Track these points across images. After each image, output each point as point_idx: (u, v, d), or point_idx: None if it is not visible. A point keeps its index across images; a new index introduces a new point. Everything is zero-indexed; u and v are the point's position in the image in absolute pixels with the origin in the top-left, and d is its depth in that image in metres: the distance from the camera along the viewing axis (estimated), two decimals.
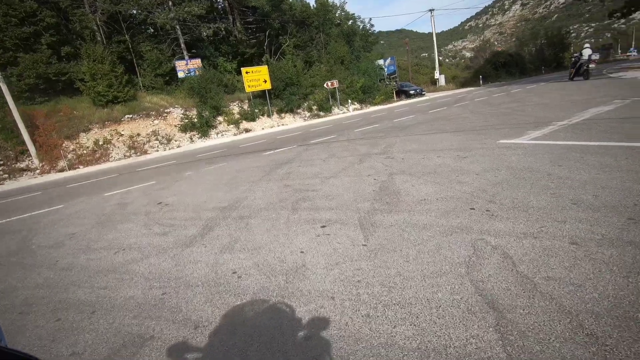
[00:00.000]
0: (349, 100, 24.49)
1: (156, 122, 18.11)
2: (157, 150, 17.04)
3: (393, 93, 26.58)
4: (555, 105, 9.40)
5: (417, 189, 4.11)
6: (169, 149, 17.41)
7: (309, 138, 11.89)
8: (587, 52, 17.57)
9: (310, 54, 27.38)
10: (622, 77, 15.57)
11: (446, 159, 5.34)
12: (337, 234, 3.22)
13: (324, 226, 3.47)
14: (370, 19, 26.41)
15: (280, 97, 22.71)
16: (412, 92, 26.75)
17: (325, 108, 23.77)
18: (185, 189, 6.76)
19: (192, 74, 21.48)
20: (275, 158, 8.67)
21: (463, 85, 33.25)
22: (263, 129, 20.86)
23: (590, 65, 17.47)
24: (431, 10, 32.48)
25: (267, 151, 10.28)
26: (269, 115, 22.16)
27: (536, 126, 6.73)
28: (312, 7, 29.52)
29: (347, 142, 9.28)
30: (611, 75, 17.80)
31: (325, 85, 23.56)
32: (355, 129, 11.94)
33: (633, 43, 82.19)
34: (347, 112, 23.67)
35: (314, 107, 23.75)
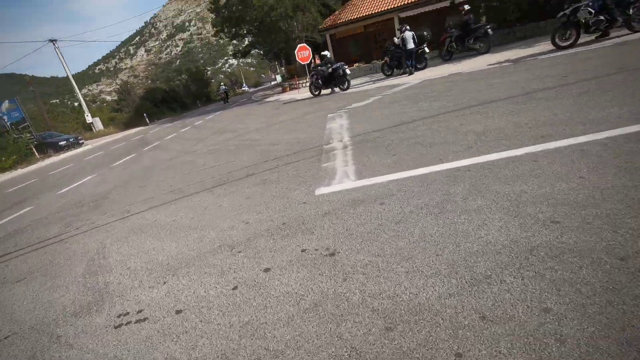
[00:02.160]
0: None
1: None
2: None
3: (32, 149, 18.29)
4: (276, 128, 8.19)
5: None
6: None
7: None
8: (222, 88, 31.12)
9: None
10: (278, 99, 17.59)
11: (300, 272, 2.20)
12: None
13: None
14: None
15: None
16: (63, 143, 19.54)
17: None
18: None
19: None
20: None
21: (127, 126, 28.85)
22: None
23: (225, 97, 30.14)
24: (53, 41, 25.26)
25: None
26: None
27: (317, 156, 4.82)
28: None
29: None
30: (267, 100, 20.03)
31: None
32: None
33: (243, 80, 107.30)
34: None
35: None
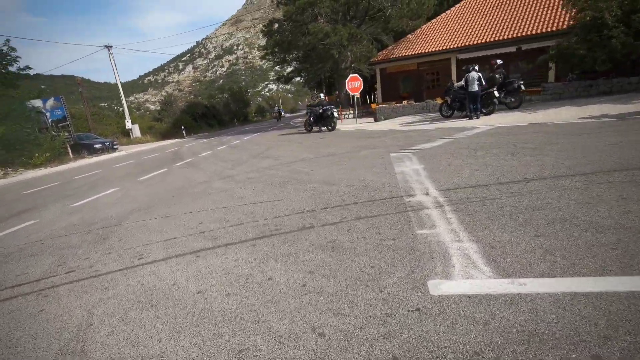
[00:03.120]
0: None
1: None
2: None
3: (67, 148, 18.12)
4: (326, 161, 7.03)
5: None
6: None
7: None
8: (277, 108, 29.33)
9: None
10: (321, 129, 16.62)
11: None
12: None
13: None
14: (8, 40, 16.35)
15: None
16: (98, 146, 19.36)
17: None
18: None
19: None
20: None
21: (164, 137, 28.92)
22: None
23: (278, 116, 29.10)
24: (109, 47, 26.17)
25: None
26: None
27: (401, 213, 3.56)
28: None
29: None
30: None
31: None
32: None
33: (280, 105, 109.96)
34: None
35: None
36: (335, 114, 14.27)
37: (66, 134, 18.70)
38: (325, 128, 14.60)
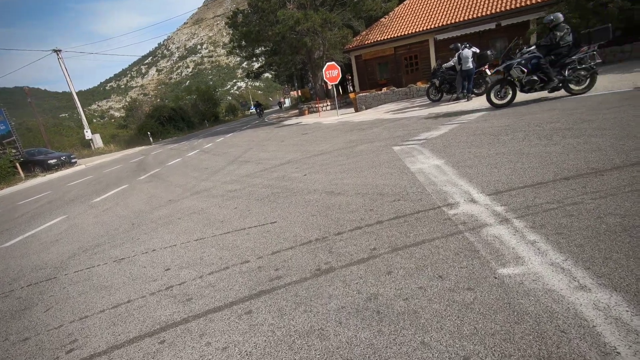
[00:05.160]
0: None
1: None
2: None
3: (16, 167, 16.03)
4: (320, 161, 5.93)
5: None
6: None
7: None
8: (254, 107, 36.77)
9: None
10: (300, 123, 15.49)
11: None
12: None
13: None
14: None
15: None
16: (52, 161, 17.32)
17: None
18: None
19: None
20: None
21: (129, 145, 26.81)
22: None
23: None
24: (57, 51, 23.65)
25: None
26: None
27: (454, 236, 2.54)
28: None
29: None
30: (286, 123, 18.00)
31: None
32: None
33: (251, 102, 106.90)
34: None
35: None
36: (263, 111, 26.49)
37: (13, 150, 16.59)
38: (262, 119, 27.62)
